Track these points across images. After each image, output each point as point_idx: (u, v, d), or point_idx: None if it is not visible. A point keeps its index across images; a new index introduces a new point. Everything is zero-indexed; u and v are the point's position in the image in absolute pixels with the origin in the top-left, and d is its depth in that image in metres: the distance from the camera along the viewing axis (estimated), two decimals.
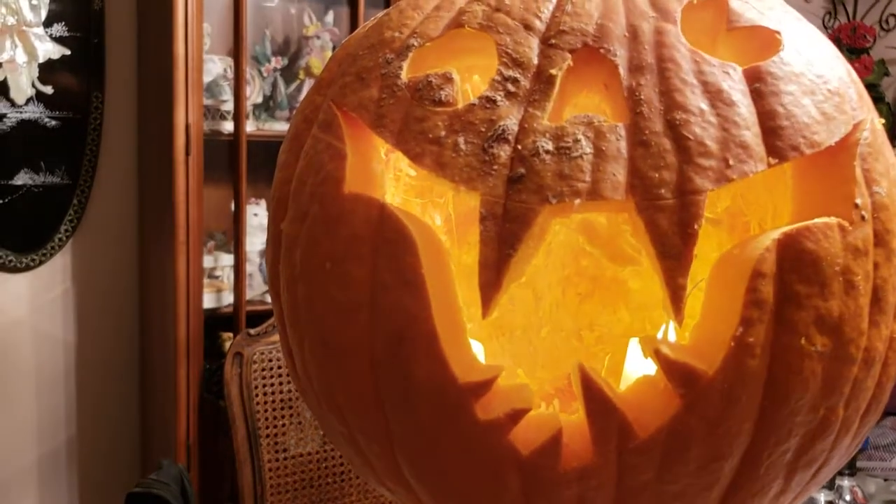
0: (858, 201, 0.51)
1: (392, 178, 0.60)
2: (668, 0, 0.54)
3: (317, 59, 2.34)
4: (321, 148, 0.57)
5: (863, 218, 0.51)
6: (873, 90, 3.16)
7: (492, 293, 0.50)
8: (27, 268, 2.31)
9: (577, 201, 0.49)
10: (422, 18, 0.57)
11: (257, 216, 2.33)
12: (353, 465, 0.61)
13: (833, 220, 0.50)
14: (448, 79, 0.54)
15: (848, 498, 1.88)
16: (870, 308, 0.52)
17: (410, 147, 0.53)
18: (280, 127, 2.32)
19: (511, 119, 0.51)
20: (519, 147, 0.51)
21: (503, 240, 0.50)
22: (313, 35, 2.35)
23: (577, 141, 0.50)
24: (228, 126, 2.20)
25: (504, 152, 0.51)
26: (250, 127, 2.23)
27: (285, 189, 0.61)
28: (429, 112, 0.53)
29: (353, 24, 2.31)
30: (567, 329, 0.82)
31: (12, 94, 2.26)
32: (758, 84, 0.51)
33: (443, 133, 0.52)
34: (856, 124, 0.52)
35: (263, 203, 2.36)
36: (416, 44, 0.56)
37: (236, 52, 2.14)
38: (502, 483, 0.52)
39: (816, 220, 0.50)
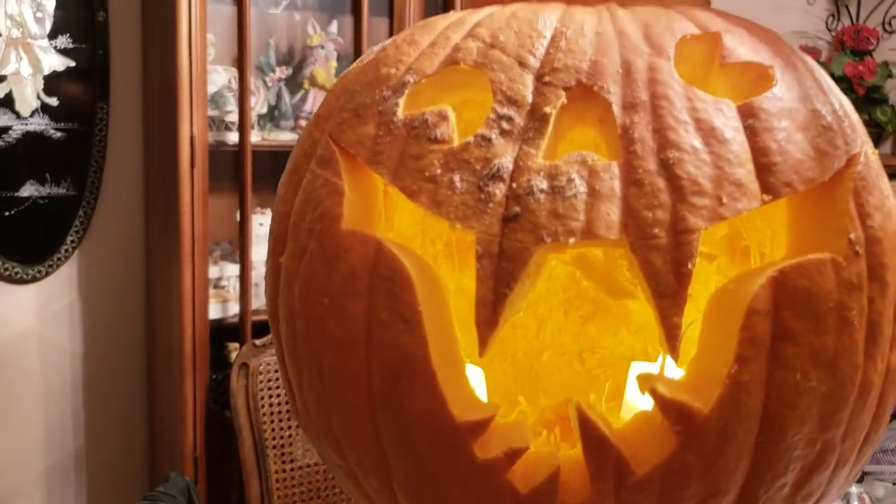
0: (852, 236, 0.51)
1: (394, 204, 0.60)
2: (662, 35, 0.54)
3: (321, 69, 2.35)
4: (319, 184, 0.58)
5: (857, 253, 0.51)
6: (877, 92, 3.15)
7: (489, 332, 0.50)
8: (34, 279, 2.32)
9: (572, 240, 0.49)
10: (417, 54, 0.58)
11: (262, 226, 2.34)
12: (352, 498, 0.62)
13: (827, 255, 0.50)
14: (443, 116, 0.54)
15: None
16: (865, 342, 0.52)
17: (407, 184, 0.54)
18: (285, 137, 2.32)
19: (506, 157, 0.52)
20: (514, 185, 0.51)
21: (499, 278, 0.50)
22: (317, 45, 2.35)
23: (570, 180, 0.50)
24: (233, 137, 2.21)
25: (499, 190, 0.51)
26: (255, 137, 2.24)
27: (284, 223, 0.61)
28: (425, 150, 0.54)
29: (357, 33, 2.32)
30: (569, 352, 0.82)
31: (17, 107, 2.27)
32: (751, 120, 0.51)
33: (438, 171, 0.53)
34: (849, 158, 0.53)
35: (269, 212, 2.37)
36: (411, 80, 0.56)
37: (241, 63, 2.15)
38: None
39: (810, 257, 0.50)
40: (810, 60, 0.59)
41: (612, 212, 0.49)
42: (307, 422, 0.61)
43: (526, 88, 0.53)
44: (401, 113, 0.56)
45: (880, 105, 3.15)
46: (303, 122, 2.35)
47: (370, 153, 0.56)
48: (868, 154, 0.54)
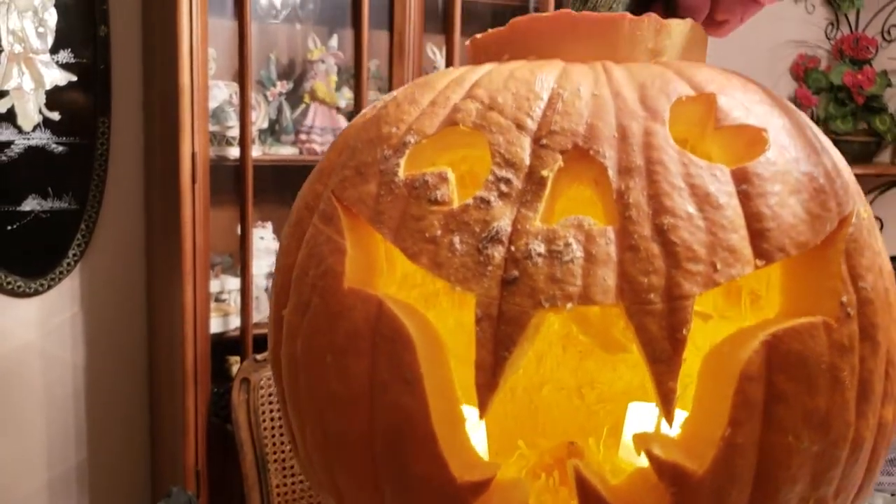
0: (844, 298, 0.52)
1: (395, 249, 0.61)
2: (658, 98, 0.55)
3: (322, 84, 2.36)
4: (322, 240, 0.59)
5: (848, 315, 0.52)
6: (876, 101, 3.17)
7: (488, 395, 0.51)
8: (36, 293, 2.33)
9: (569, 305, 0.50)
10: (418, 114, 0.59)
11: (263, 239, 2.35)
12: None
13: (819, 319, 0.51)
14: (443, 178, 0.55)
15: None
16: (857, 400, 0.53)
17: (408, 245, 0.55)
18: (286, 151, 2.34)
19: (504, 220, 0.53)
20: (512, 248, 0.52)
21: (499, 342, 0.51)
22: (318, 59, 2.36)
23: (567, 244, 0.51)
24: (234, 152, 2.22)
25: (498, 253, 0.52)
26: (256, 152, 2.25)
27: (287, 276, 0.62)
28: (425, 210, 0.55)
29: (358, 47, 2.33)
30: (568, 386, 0.83)
31: (20, 121, 2.29)
32: (745, 185, 0.52)
33: (438, 232, 0.54)
34: (841, 220, 0.54)
35: (269, 226, 2.38)
36: (412, 141, 0.57)
37: (242, 78, 2.16)
38: None
39: (803, 320, 0.51)
40: (804, 116, 0.60)
41: (608, 277, 0.50)
42: (310, 471, 0.62)
43: (524, 151, 0.55)
44: (402, 173, 0.57)
45: (879, 114, 3.16)
46: (303, 137, 2.36)
47: (372, 212, 0.57)
48: (860, 213, 0.56)
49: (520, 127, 0.55)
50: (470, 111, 0.57)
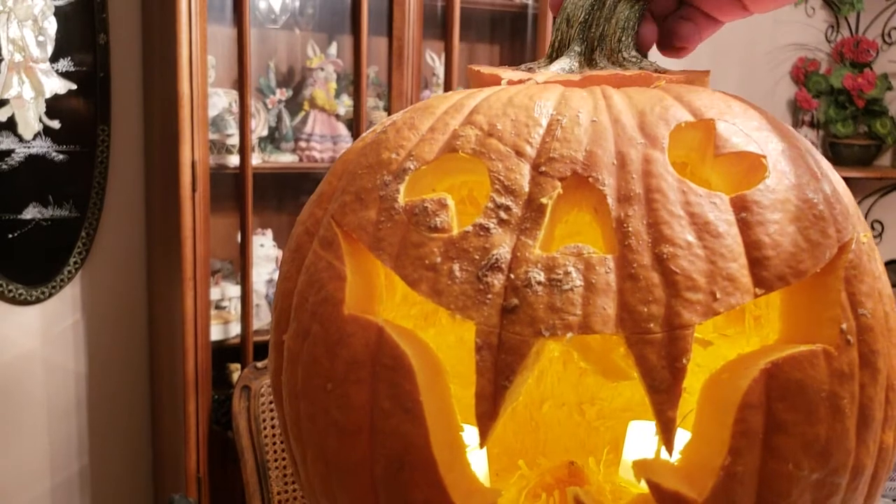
0: (844, 326, 0.52)
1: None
2: (657, 125, 0.55)
3: (321, 91, 2.36)
4: (322, 266, 0.59)
5: (848, 342, 0.52)
6: (876, 104, 3.17)
7: (489, 424, 0.51)
8: (37, 300, 2.34)
9: (569, 335, 0.50)
10: (417, 140, 0.59)
11: (263, 247, 2.35)
12: None
13: (819, 347, 0.51)
14: (443, 205, 0.55)
15: None
16: (857, 427, 0.53)
17: (408, 273, 0.55)
18: (285, 159, 2.34)
19: (504, 247, 0.53)
20: (512, 276, 0.52)
21: (499, 371, 0.51)
22: (317, 67, 2.37)
23: (567, 273, 0.51)
24: (234, 160, 2.23)
25: (498, 281, 0.52)
26: (256, 159, 2.25)
27: (287, 301, 0.62)
28: (425, 238, 0.55)
29: (357, 55, 2.33)
30: (569, 402, 0.83)
31: (20, 130, 2.29)
32: (744, 213, 0.52)
33: (438, 259, 0.54)
34: (841, 247, 0.54)
35: (269, 233, 2.38)
36: (412, 167, 0.58)
37: (241, 86, 2.16)
38: None
39: (802, 349, 0.51)
40: (804, 140, 0.60)
41: (608, 306, 0.50)
42: (313, 498, 0.62)
43: (523, 178, 0.55)
44: (402, 199, 0.57)
45: (880, 117, 3.16)
46: (303, 144, 2.37)
47: (372, 239, 0.57)
48: (860, 238, 0.56)
49: (519, 154, 0.55)
50: (469, 137, 0.57)
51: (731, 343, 0.66)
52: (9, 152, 2.27)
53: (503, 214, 0.54)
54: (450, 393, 0.55)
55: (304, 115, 2.37)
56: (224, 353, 2.28)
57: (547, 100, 0.58)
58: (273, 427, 1.90)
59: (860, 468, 0.54)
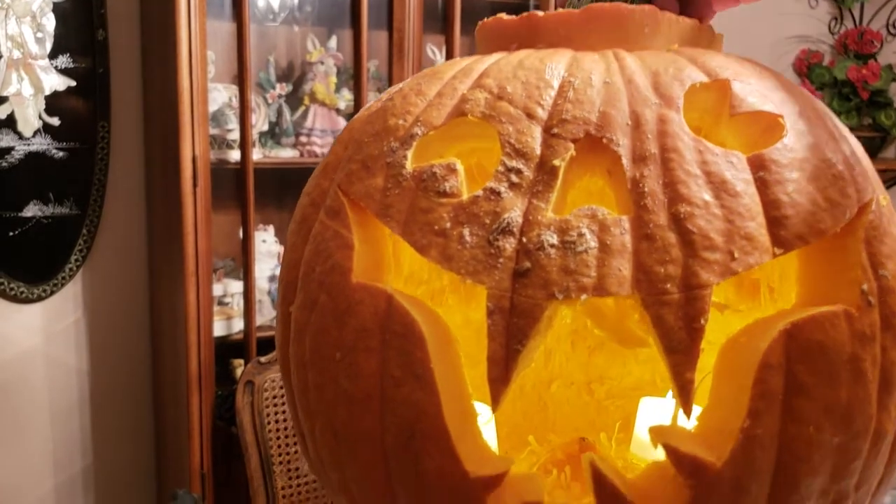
0: (865, 287, 0.51)
1: (402, 244, 0.60)
2: (671, 85, 0.54)
3: (321, 85, 2.35)
4: (329, 236, 0.57)
5: (869, 303, 0.51)
6: (881, 95, 3.15)
7: (501, 388, 0.50)
8: (39, 298, 2.32)
9: (584, 297, 0.49)
10: (424, 105, 0.58)
11: (265, 242, 2.34)
12: None
13: (839, 307, 0.50)
14: (452, 170, 0.54)
15: None
16: (878, 392, 0.52)
17: (416, 238, 0.54)
18: (286, 154, 2.33)
19: (515, 211, 0.52)
20: (524, 240, 0.51)
21: (511, 335, 0.50)
22: (317, 61, 2.35)
23: (581, 235, 0.50)
24: (235, 155, 2.21)
25: (509, 245, 0.51)
26: (256, 154, 2.24)
27: (294, 272, 0.61)
28: (434, 203, 0.54)
29: (357, 48, 2.32)
30: (578, 382, 0.82)
31: (20, 127, 2.28)
32: (762, 172, 0.51)
33: (448, 225, 0.53)
34: (861, 207, 0.52)
35: (271, 229, 2.37)
36: (419, 132, 0.56)
37: (241, 81, 2.15)
38: None
39: (823, 309, 0.50)
40: (820, 104, 0.59)
41: (623, 267, 0.49)
42: (321, 471, 0.61)
43: (534, 141, 0.53)
44: (409, 165, 0.56)
45: (885, 109, 3.14)
46: (303, 139, 2.35)
47: (380, 206, 0.56)
48: (879, 201, 0.54)
49: (530, 116, 0.54)
50: (479, 101, 0.56)
51: (744, 318, 0.65)
52: (8, 150, 2.26)
53: (514, 178, 0.53)
54: (461, 362, 0.54)
55: (305, 110, 2.36)
56: (227, 348, 2.26)
57: (558, 62, 0.57)
58: (277, 422, 1.89)
59: (882, 433, 0.53)
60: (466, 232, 0.52)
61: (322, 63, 2.36)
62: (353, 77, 2.36)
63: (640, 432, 0.71)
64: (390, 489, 0.54)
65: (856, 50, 3.21)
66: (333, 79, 2.39)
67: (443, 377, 0.52)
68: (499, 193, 0.52)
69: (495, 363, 0.50)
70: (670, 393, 0.64)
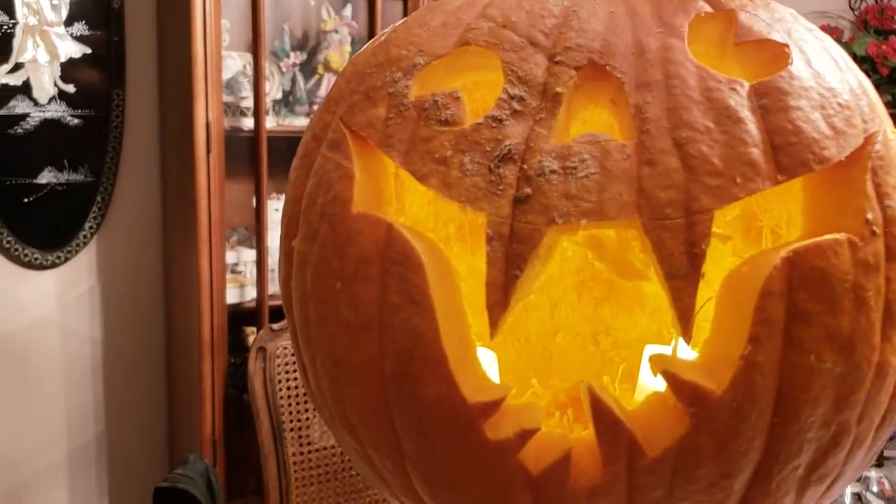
0: (869, 216, 0.50)
1: (406, 187, 0.60)
2: (675, 14, 0.54)
3: (335, 54, 2.34)
4: (330, 167, 0.57)
5: (874, 233, 0.50)
6: None
7: (499, 314, 0.50)
8: (53, 265, 2.33)
9: (584, 222, 0.49)
10: (428, 36, 0.57)
11: (278, 211, 2.34)
12: (368, 479, 0.62)
13: (843, 236, 0.49)
14: (454, 98, 0.54)
15: (875, 489, 1.86)
16: (882, 323, 0.51)
17: (417, 167, 0.53)
18: (300, 122, 2.32)
19: (517, 138, 0.51)
20: (525, 167, 0.51)
21: (510, 261, 0.50)
22: (332, 29, 2.34)
23: (583, 161, 0.49)
24: (248, 122, 2.21)
25: (510, 172, 0.51)
26: (270, 123, 2.24)
27: (296, 207, 0.61)
28: (435, 132, 0.53)
29: (371, 17, 2.31)
30: (583, 334, 0.82)
31: (35, 94, 2.28)
32: (765, 100, 0.50)
33: (449, 153, 0.53)
34: (867, 137, 0.52)
35: (284, 198, 2.37)
36: (422, 62, 0.56)
37: (255, 49, 2.15)
38: (513, 501, 0.52)
39: (826, 237, 0.49)
40: (828, 38, 0.58)
41: (624, 192, 0.49)
42: (322, 404, 0.61)
43: (538, 68, 0.53)
44: (411, 95, 0.55)
45: None
46: (317, 108, 2.35)
47: (381, 136, 0.55)
48: (887, 133, 0.54)
49: (534, 44, 0.54)
50: (482, 30, 0.55)
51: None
52: (24, 116, 2.27)
53: (517, 105, 0.52)
54: (459, 291, 0.54)
55: (319, 79, 2.36)
56: (240, 316, 2.27)
57: None
58: (289, 388, 1.90)
59: (885, 366, 0.52)
60: (467, 160, 0.52)
61: (336, 32, 2.36)
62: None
63: (644, 379, 0.71)
64: (389, 417, 0.54)
65: (876, 26, 3.16)
66: (348, 47, 2.38)
67: (441, 304, 0.52)
68: (501, 121, 0.52)
69: (494, 289, 0.50)
70: (673, 341, 0.64)
